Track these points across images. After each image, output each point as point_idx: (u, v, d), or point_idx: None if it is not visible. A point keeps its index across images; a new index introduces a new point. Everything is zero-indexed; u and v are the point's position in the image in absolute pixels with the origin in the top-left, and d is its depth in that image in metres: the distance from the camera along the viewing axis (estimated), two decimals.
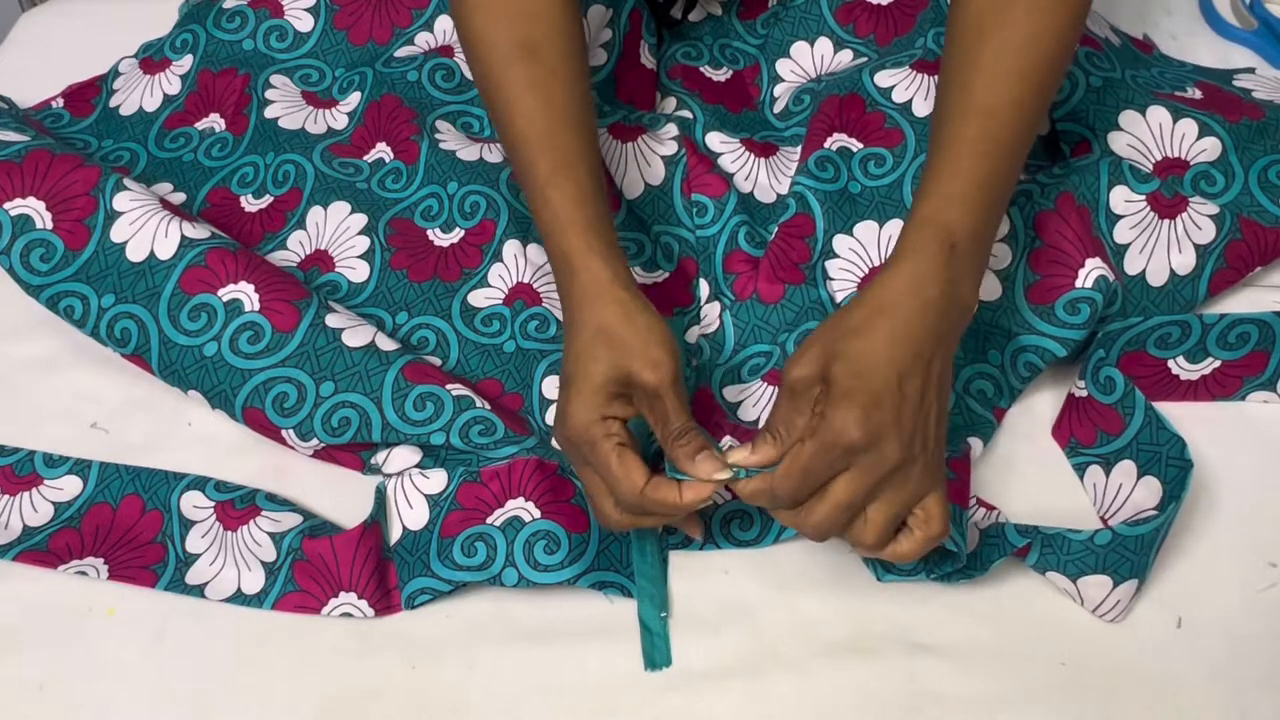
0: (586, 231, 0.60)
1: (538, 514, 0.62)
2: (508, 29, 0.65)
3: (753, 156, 0.79)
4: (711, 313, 0.72)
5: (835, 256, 0.72)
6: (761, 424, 0.64)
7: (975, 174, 0.58)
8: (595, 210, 0.62)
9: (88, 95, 0.88)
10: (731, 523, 0.64)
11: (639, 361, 0.56)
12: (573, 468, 0.61)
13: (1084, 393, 0.67)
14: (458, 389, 0.66)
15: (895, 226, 0.71)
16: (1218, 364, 0.69)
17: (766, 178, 0.78)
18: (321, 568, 0.62)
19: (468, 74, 0.84)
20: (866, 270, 0.71)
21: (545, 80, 0.64)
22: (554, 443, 0.66)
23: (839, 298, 0.70)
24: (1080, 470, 0.67)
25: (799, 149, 0.78)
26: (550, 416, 0.68)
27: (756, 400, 0.68)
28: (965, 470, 0.65)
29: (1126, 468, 0.64)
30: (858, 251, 0.72)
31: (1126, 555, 0.58)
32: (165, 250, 0.70)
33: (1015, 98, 0.59)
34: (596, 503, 0.58)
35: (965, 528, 0.60)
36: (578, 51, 0.67)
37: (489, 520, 0.62)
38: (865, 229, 0.72)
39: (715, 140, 0.79)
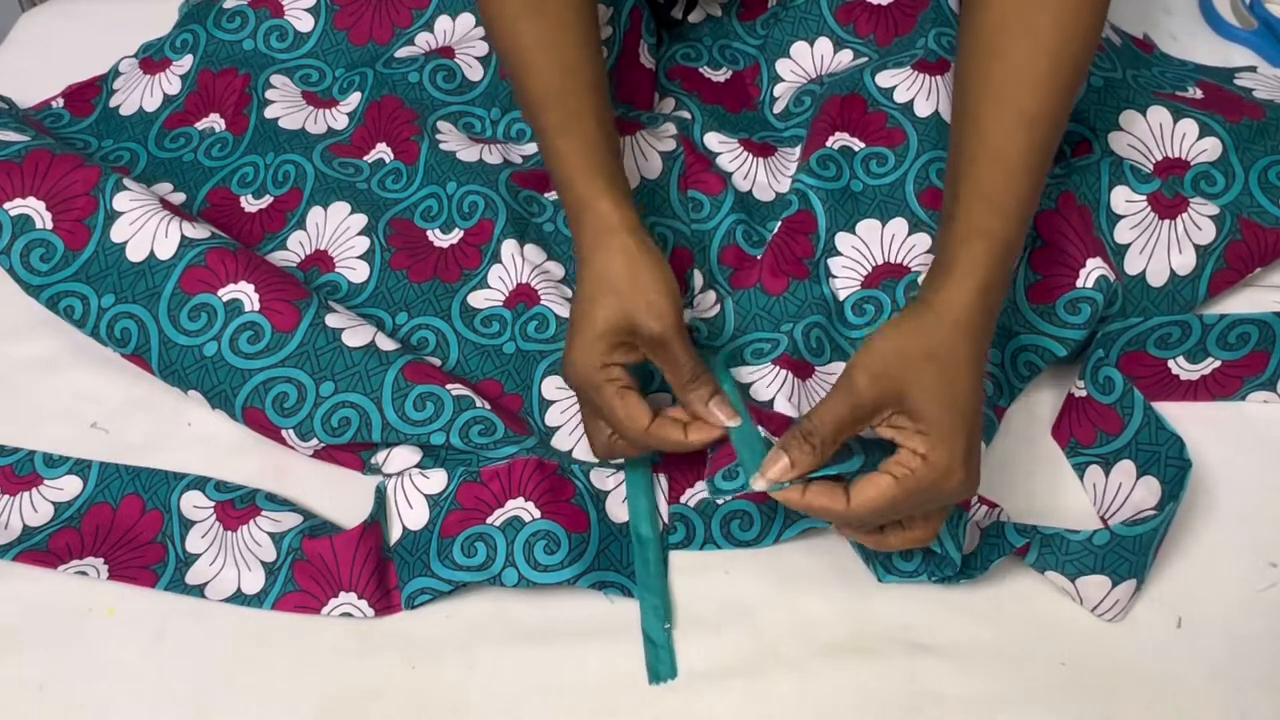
0: (595, 178, 0.62)
1: (538, 514, 0.62)
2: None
3: (751, 156, 0.79)
4: (706, 301, 0.72)
5: (838, 254, 0.72)
6: (778, 405, 0.65)
7: (1024, 187, 0.57)
8: (604, 158, 0.63)
9: (88, 95, 0.88)
10: (731, 523, 0.64)
11: (642, 311, 0.58)
12: (579, 406, 0.63)
13: (1083, 393, 0.67)
14: (458, 389, 0.66)
15: (898, 225, 0.71)
16: (1218, 364, 0.69)
17: (765, 177, 0.78)
18: (321, 568, 0.62)
19: (469, 75, 0.84)
20: (870, 268, 0.71)
21: (553, 36, 0.65)
22: (560, 442, 0.66)
23: (842, 295, 0.70)
24: (1080, 470, 0.67)
25: (798, 149, 0.78)
26: (550, 417, 0.68)
27: (770, 383, 0.67)
28: None
29: (1126, 468, 0.64)
30: (860, 249, 0.72)
31: (1125, 555, 0.58)
32: (165, 250, 0.70)
33: (1053, 106, 0.58)
34: (593, 435, 0.62)
35: (962, 532, 0.60)
36: (585, 5, 0.67)
37: (489, 520, 0.62)
38: (868, 227, 0.72)
39: (713, 140, 0.79)
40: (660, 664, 0.59)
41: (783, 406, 0.65)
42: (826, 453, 0.53)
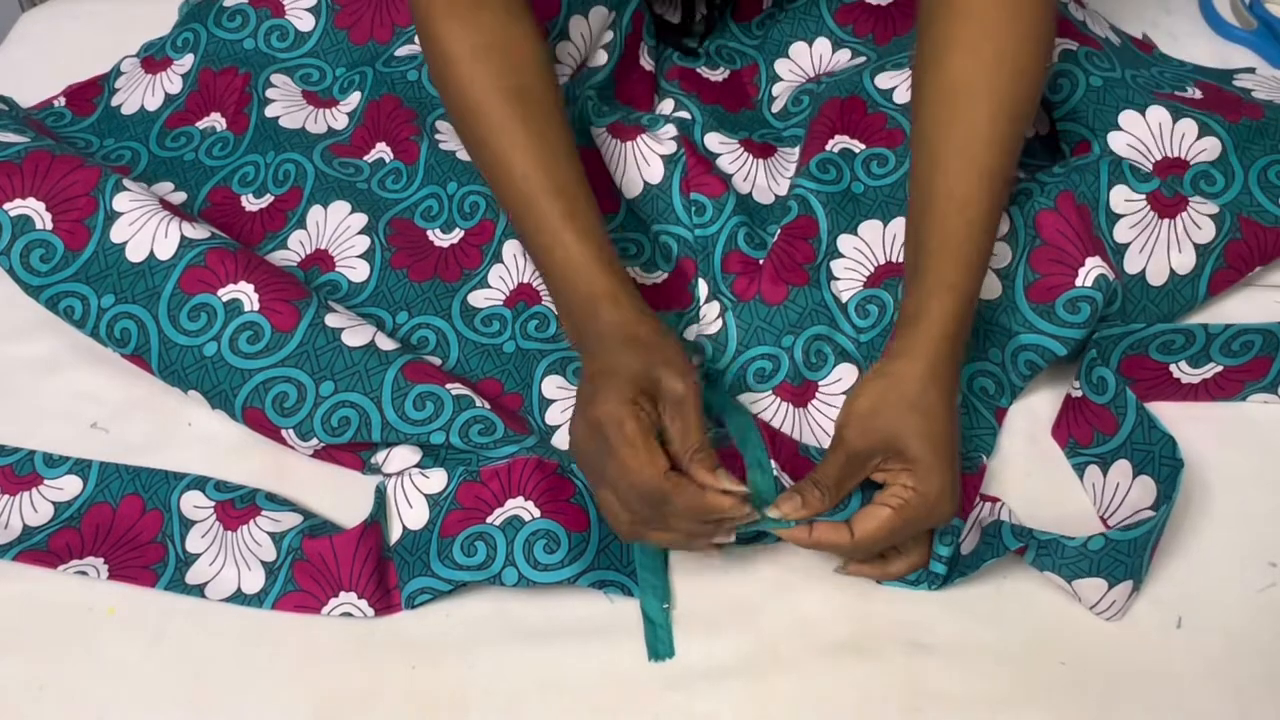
0: (612, 272, 0.63)
1: (537, 513, 0.62)
2: (499, 79, 0.66)
3: (751, 157, 0.79)
4: (710, 312, 0.72)
5: (840, 256, 0.72)
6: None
7: (987, 239, 0.62)
8: (612, 253, 0.64)
9: (89, 94, 0.88)
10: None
11: (670, 368, 0.58)
12: (586, 472, 0.60)
13: (1079, 393, 0.67)
14: (457, 388, 0.66)
15: (899, 225, 0.71)
16: (1220, 369, 0.69)
17: (765, 179, 0.78)
18: (321, 567, 0.62)
19: None
20: (873, 268, 0.71)
21: (541, 126, 0.66)
22: (560, 442, 0.66)
23: (844, 298, 0.70)
24: (1079, 470, 0.67)
25: (797, 149, 0.78)
26: (550, 416, 0.68)
27: (770, 417, 0.68)
28: (974, 488, 0.65)
29: (1123, 467, 0.64)
30: (863, 250, 0.72)
31: (1120, 559, 0.58)
32: (165, 250, 0.70)
33: (1010, 160, 0.63)
34: (611, 508, 0.58)
35: (950, 547, 0.60)
36: (560, 100, 0.69)
37: (489, 520, 0.62)
38: (870, 228, 0.72)
39: (714, 141, 0.79)
40: (659, 643, 0.59)
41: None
42: (833, 498, 0.58)
